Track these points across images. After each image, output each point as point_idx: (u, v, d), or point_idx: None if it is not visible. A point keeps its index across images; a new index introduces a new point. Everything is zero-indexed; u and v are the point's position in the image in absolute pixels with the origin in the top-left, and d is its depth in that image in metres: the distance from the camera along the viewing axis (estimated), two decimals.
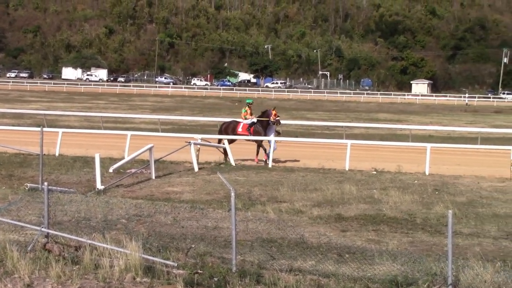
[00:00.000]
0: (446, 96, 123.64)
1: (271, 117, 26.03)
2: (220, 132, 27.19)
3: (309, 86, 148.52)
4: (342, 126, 40.93)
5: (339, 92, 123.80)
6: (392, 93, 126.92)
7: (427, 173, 23.50)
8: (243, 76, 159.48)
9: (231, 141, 26.45)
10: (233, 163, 25.12)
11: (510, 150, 24.10)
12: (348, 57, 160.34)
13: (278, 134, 27.11)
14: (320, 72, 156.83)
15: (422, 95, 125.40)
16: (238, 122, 26.85)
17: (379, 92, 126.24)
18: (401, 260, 10.78)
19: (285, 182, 20.39)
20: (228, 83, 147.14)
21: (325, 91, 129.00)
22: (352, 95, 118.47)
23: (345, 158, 24.76)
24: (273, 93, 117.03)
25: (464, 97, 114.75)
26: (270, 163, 25.08)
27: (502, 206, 17.16)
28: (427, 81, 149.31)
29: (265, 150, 26.04)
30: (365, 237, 13.20)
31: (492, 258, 11.24)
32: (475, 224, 14.70)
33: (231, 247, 10.34)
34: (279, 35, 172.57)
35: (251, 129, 26.10)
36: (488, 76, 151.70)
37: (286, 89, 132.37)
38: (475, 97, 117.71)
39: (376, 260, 10.86)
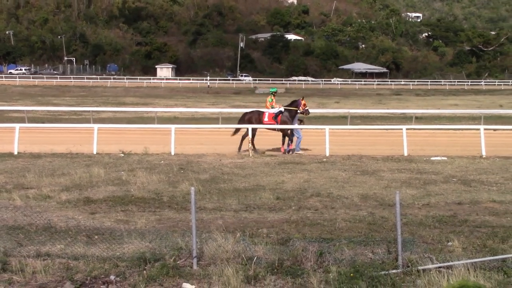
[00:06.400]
0: (189, 79, 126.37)
1: (300, 107, 25.21)
2: (243, 122, 25.84)
3: (55, 72, 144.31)
4: (89, 111, 40.62)
5: (86, 78, 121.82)
6: (138, 77, 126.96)
7: (172, 153, 24.19)
8: None
9: (254, 131, 25.34)
10: None
11: (247, 128, 25.46)
12: (93, 42, 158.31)
13: (301, 122, 26.11)
14: (66, 58, 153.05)
15: (167, 79, 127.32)
16: (262, 112, 25.72)
17: (125, 77, 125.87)
18: (149, 238, 11.14)
19: (32, 168, 19.98)
20: None
21: (72, 76, 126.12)
22: (99, 80, 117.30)
23: (93, 142, 24.79)
24: (17, 79, 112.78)
25: (206, 80, 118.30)
26: (299, 151, 24.97)
27: (242, 180, 18.15)
28: (171, 65, 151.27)
29: (291, 140, 25.39)
30: (114, 218, 13.39)
31: (233, 229, 11.93)
32: (218, 199, 15.43)
33: None
34: (20, 21, 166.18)
35: (278, 118, 25.15)
36: (227, 59, 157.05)
37: (31, 75, 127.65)
38: (216, 80, 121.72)
39: (125, 240, 11.11)
